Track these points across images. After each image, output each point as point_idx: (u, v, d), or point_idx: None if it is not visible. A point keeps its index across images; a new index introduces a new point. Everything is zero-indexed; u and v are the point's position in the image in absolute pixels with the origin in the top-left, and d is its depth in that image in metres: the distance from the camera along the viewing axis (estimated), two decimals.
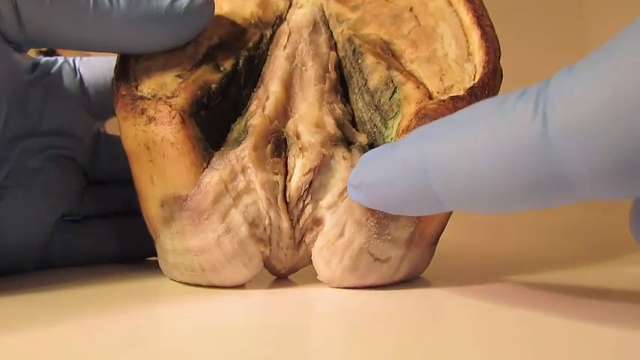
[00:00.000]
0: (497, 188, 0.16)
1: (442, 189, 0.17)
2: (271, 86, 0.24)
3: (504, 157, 0.15)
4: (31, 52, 0.28)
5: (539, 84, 0.15)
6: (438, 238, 0.24)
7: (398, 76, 0.23)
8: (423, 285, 0.23)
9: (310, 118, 0.23)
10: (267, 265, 0.23)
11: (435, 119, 0.21)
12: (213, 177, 0.22)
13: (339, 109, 0.24)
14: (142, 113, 0.22)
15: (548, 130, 0.14)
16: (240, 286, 0.23)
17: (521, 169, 0.15)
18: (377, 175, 0.19)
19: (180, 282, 0.24)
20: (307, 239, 0.22)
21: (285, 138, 0.22)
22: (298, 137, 0.22)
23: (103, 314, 0.19)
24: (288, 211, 0.22)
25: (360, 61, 0.24)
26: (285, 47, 0.25)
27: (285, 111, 0.23)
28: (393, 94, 0.23)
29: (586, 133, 0.14)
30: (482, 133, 0.16)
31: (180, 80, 0.23)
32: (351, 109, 0.24)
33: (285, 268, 0.23)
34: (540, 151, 0.15)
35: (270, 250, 0.22)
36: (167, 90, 0.23)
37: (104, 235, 0.28)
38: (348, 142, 0.23)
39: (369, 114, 0.24)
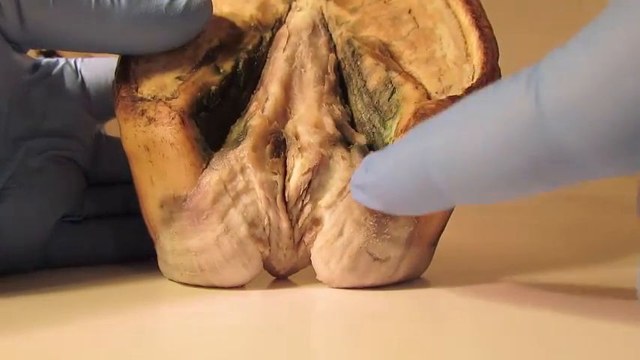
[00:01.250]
0: (495, 172, 0.16)
1: (443, 180, 0.17)
2: (271, 88, 0.24)
3: (500, 138, 0.15)
4: (31, 53, 0.28)
5: (532, 65, 0.15)
6: (438, 239, 0.24)
7: (397, 77, 0.23)
8: (422, 285, 0.23)
9: (309, 119, 0.23)
10: (267, 265, 0.23)
11: None
12: (212, 177, 0.22)
13: (338, 110, 0.24)
14: (142, 114, 0.22)
15: (541, 106, 0.14)
16: (240, 287, 0.23)
17: (518, 149, 0.15)
18: (379, 174, 0.19)
19: (180, 283, 0.24)
20: (306, 239, 0.22)
21: (285, 138, 0.23)
22: (297, 137, 0.23)
23: (102, 315, 0.19)
24: (287, 211, 0.22)
25: (359, 63, 0.24)
26: (284, 49, 0.25)
27: (284, 112, 0.23)
28: (391, 94, 0.23)
29: (580, 106, 0.13)
30: (477, 119, 0.16)
31: (180, 82, 0.23)
32: (350, 110, 0.24)
33: (284, 269, 0.23)
34: (535, 129, 0.14)
35: (270, 250, 0.22)
36: (167, 91, 0.23)
37: (104, 235, 0.28)
38: (347, 143, 0.23)
39: (368, 115, 0.24)
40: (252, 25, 0.26)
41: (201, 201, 0.22)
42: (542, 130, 0.14)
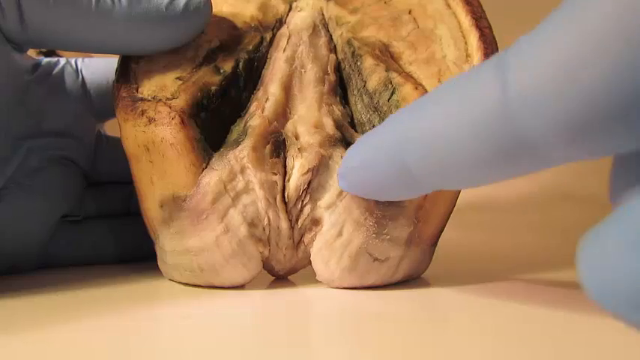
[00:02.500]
0: (466, 157, 0.16)
1: (417, 165, 0.17)
2: (271, 88, 0.24)
3: (469, 124, 0.15)
4: (31, 53, 0.28)
5: (503, 51, 0.15)
6: (438, 239, 0.24)
7: (397, 78, 0.23)
8: (422, 285, 0.23)
9: (309, 120, 0.23)
10: (267, 265, 0.23)
11: None
12: (212, 177, 0.22)
13: (338, 110, 0.24)
14: (142, 114, 0.22)
15: (507, 92, 0.14)
16: (240, 287, 0.23)
17: (486, 135, 0.15)
18: (357, 159, 0.19)
19: (180, 283, 0.24)
20: (306, 239, 0.22)
21: (284, 139, 0.23)
22: (297, 138, 0.23)
23: (102, 315, 0.19)
24: (286, 211, 0.22)
25: (359, 63, 0.24)
26: (284, 50, 0.25)
27: (284, 112, 0.23)
28: (391, 95, 0.23)
29: (542, 93, 0.13)
30: (449, 105, 0.16)
31: (180, 82, 0.23)
32: (350, 110, 0.24)
33: (284, 269, 0.23)
34: (502, 115, 0.14)
35: (270, 250, 0.22)
36: (167, 92, 0.23)
37: (104, 235, 0.28)
38: (346, 143, 0.23)
39: (368, 115, 0.24)
40: (253, 25, 0.26)
41: (201, 201, 0.22)
42: (508, 117, 0.14)
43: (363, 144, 0.19)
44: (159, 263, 0.25)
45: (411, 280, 0.24)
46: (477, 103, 0.15)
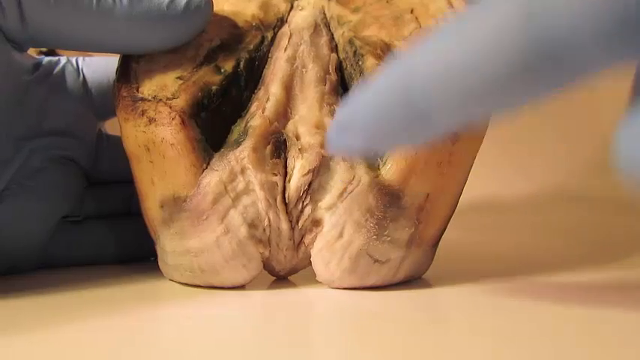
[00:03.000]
0: (483, 76, 0.14)
1: (428, 98, 0.15)
2: (272, 88, 0.24)
3: (487, 37, 0.14)
4: (32, 52, 0.28)
5: None
6: (439, 239, 0.24)
7: None
8: (423, 285, 0.23)
9: (310, 120, 0.23)
10: (267, 266, 0.23)
11: None
12: (212, 178, 0.22)
13: None
14: (143, 114, 0.22)
15: None
16: (240, 287, 0.23)
17: (505, 46, 0.14)
18: (359, 103, 0.16)
19: (180, 283, 0.24)
20: (307, 240, 0.22)
21: (285, 139, 0.23)
22: (298, 138, 0.23)
23: (103, 315, 0.19)
24: (287, 212, 0.22)
25: (360, 63, 0.24)
26: (285, 49, 0.25)
27: (285, 112, 0.23)
28: None
29: None
30: (464, 29, 0.15)
31: (180, 82, 0.23)
32: None
33: (284, 270, 0.23)
34: (522, 22, 0.13)
35: (270, 251, 0.22)
36: (167, 91, 0.23)
37: (105, 235, 0.28)
38: None
39: None
40: (254, 24, 0.26)
41: (201, 202, 0.22)
42: (531, 22, 0.13)
43: (365, 87, 0.16)
44: (160, 263, 0.24)
45: (411, 281, 0.24)
46: (494, 16, 0.14)
